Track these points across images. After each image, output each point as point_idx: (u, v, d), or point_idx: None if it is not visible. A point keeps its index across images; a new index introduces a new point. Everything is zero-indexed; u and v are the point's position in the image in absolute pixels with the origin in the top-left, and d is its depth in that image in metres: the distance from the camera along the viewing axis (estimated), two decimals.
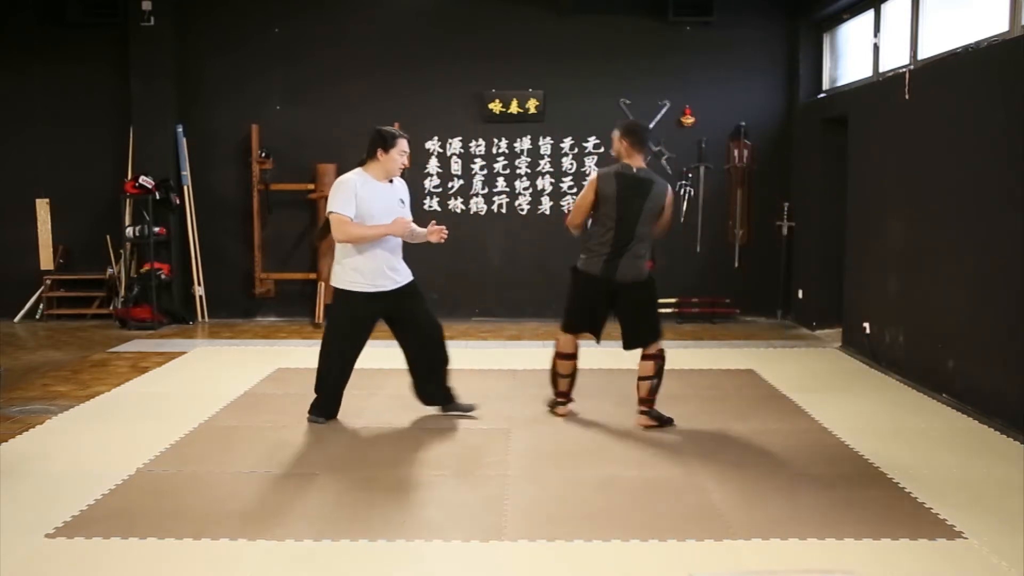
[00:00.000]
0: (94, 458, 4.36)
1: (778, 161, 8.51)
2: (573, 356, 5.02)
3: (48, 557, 3.25)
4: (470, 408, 5.13)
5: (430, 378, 5.04)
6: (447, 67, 8.45)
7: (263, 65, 8.48)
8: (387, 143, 4.68)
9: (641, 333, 4.87)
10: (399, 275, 4.84)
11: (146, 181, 8.10)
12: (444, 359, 5.01)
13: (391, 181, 4.84)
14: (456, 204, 8.60)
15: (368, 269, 4.72)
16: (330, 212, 4.65)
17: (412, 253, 8.38)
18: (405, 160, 4.79)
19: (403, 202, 4.89)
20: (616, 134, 4.83)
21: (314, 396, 4.99)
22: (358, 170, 4.76)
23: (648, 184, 4.71)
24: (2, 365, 6.18)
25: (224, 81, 8.54)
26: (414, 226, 4.87)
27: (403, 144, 4.73)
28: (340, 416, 5.06)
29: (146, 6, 8.20)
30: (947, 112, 5.53)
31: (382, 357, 5.46)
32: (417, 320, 4.92)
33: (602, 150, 8.52)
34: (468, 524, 3.54)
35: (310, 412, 4.98)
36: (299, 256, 8.67)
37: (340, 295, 4.81)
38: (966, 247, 5.29)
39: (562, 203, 8.58)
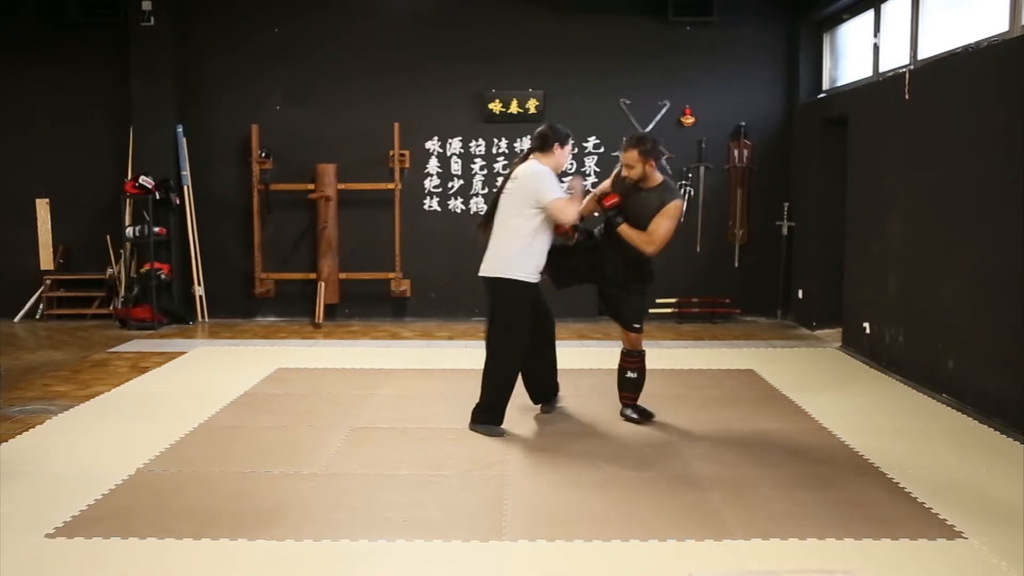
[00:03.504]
0: (94, 458, 4.36)
1: (778, 161, 8.51)
2: None
3: (48, 557, 3.25)
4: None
5: (544, 374, 5.06)
6: (447, 67, 8.45)
7: (263, 65, 8.49)
8: (564, 140, 4.76)
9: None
10: None
11: (146, 181, 8.11)
12: (555, 356, 5.06)
13: None
14: (456, 204, 8.60)
15: (543, 257, 4.70)
16: (553, 200, 4.52)
17: (412, 252, 8.47)
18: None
19: None
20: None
21: (487, 403, 4.76)
22: (536, 161, 4.75)
23: None
24: (2, 365, 6.18)
25: (224, 81, 8.54)
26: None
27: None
28: (338, 416, 5.07)
29: (146, 6, 8.20)
30: (947, 112, 5.53)
31: (382, 357, 5.47)
32: (543, 312, 4.93)
33: (602, 150, 8.52)
34: (468, 524, 3.54)
35: (488, 422, 4.76)
36: (299, 256, 8.67)
37: (519, 288, 4.61)
38: (966, 247, 5.28)
39: None
